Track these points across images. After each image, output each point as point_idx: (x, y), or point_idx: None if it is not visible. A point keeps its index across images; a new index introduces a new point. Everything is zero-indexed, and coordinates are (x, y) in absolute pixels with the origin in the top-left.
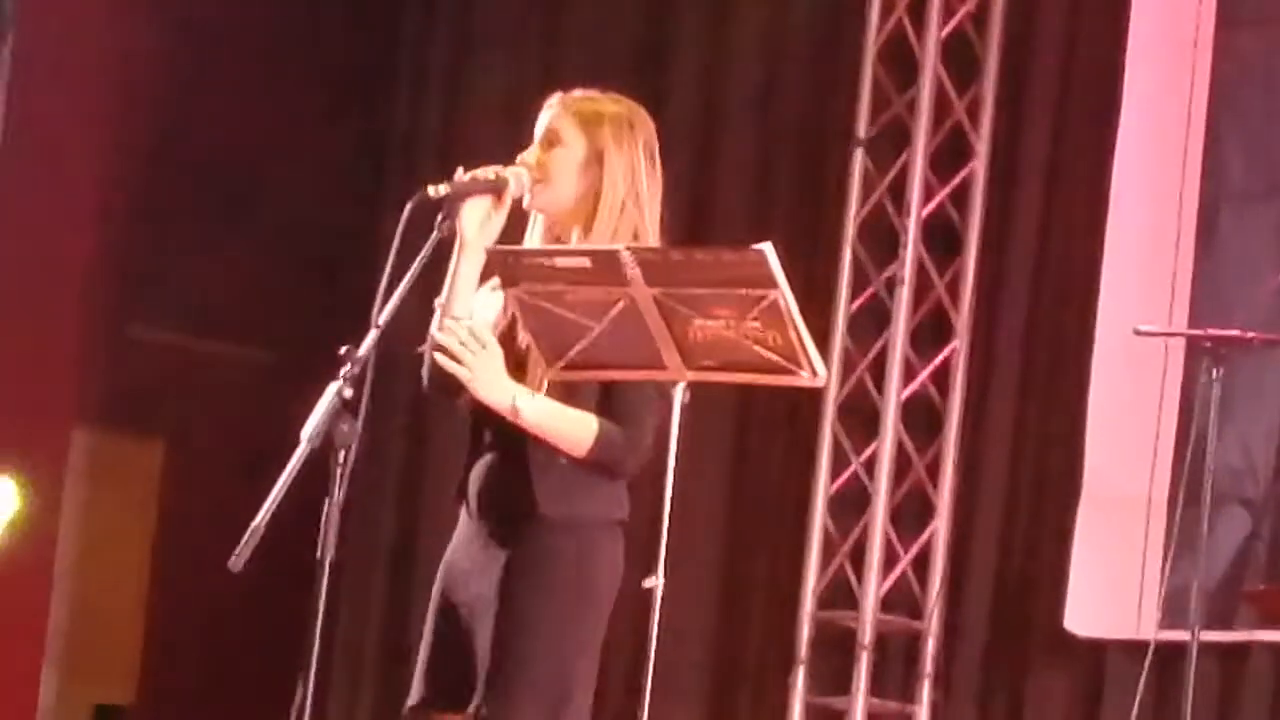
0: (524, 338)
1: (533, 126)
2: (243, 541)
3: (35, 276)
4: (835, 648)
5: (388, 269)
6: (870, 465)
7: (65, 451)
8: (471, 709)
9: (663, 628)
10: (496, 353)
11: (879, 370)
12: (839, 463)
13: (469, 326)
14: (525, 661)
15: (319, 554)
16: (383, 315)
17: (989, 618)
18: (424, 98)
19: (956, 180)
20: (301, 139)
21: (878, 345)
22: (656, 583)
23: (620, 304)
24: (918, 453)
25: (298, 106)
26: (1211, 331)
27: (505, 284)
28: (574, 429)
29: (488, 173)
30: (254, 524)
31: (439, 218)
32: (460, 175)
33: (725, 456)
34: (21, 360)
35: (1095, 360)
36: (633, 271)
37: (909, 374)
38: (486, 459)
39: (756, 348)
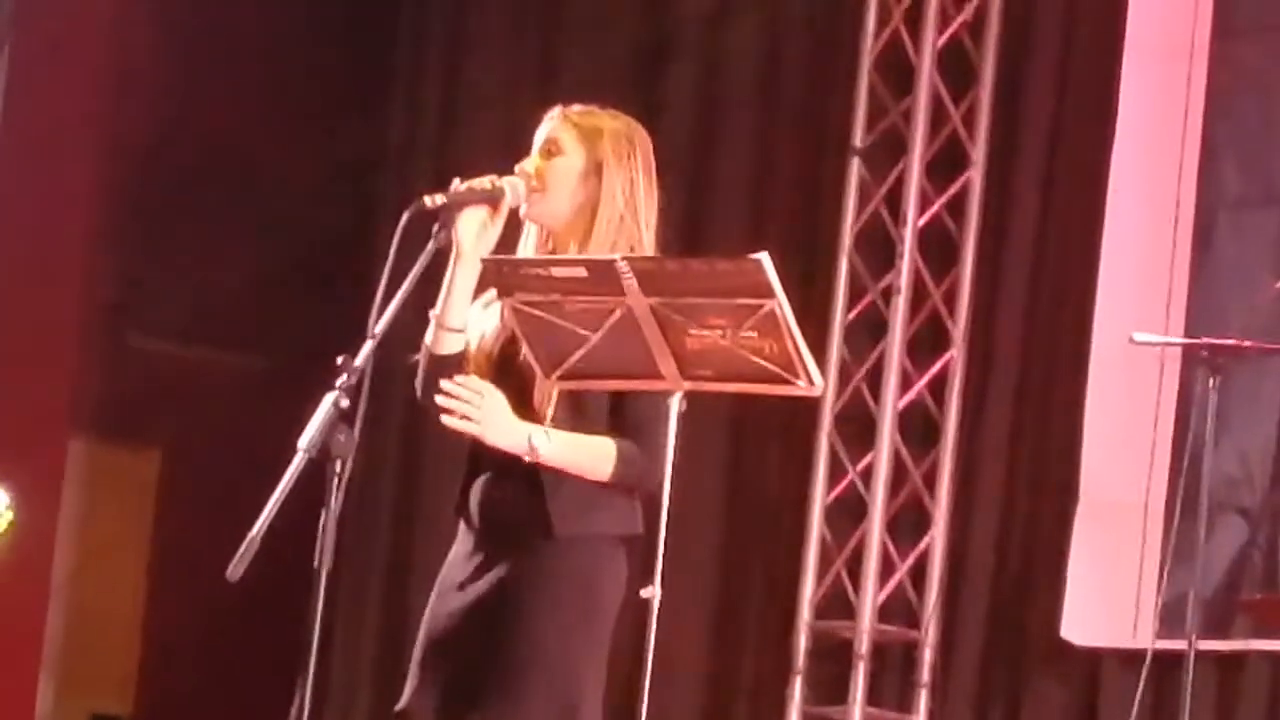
0: (525, 351)
1: (529, 131)
2: (240, 551)
3: (32, 284)
4: (832, 657)
5: (384, 279)
6: (867, 475)
7: (62, 460)
8: None
9: (660, 638)
10: (498, 396)
11: (876, 379)
12: (836, 472)
13: (462, 380)
14: (533, 676)
15: (316, 563)
16: (379, 325)
17: (986, 627)
18: (421, 104)
19: (953, 189)
20: (298, 147)
21: (874, 354)
22: (654, 593)
23: (617, 313)
24: (914, 462)
25: (294, 114)
26: (1208, 340)
27: (501, 294)
28: (594, 456)
29: (484, 182)
30: (251, 534)
31: (435, 227)
32: (457, 185)
33: (722, 466)
34: (18, 369)
35: (1092, 369)
36: (629, 281)
37: (906, 383)
38: (491, 476)
39: (753, 357)
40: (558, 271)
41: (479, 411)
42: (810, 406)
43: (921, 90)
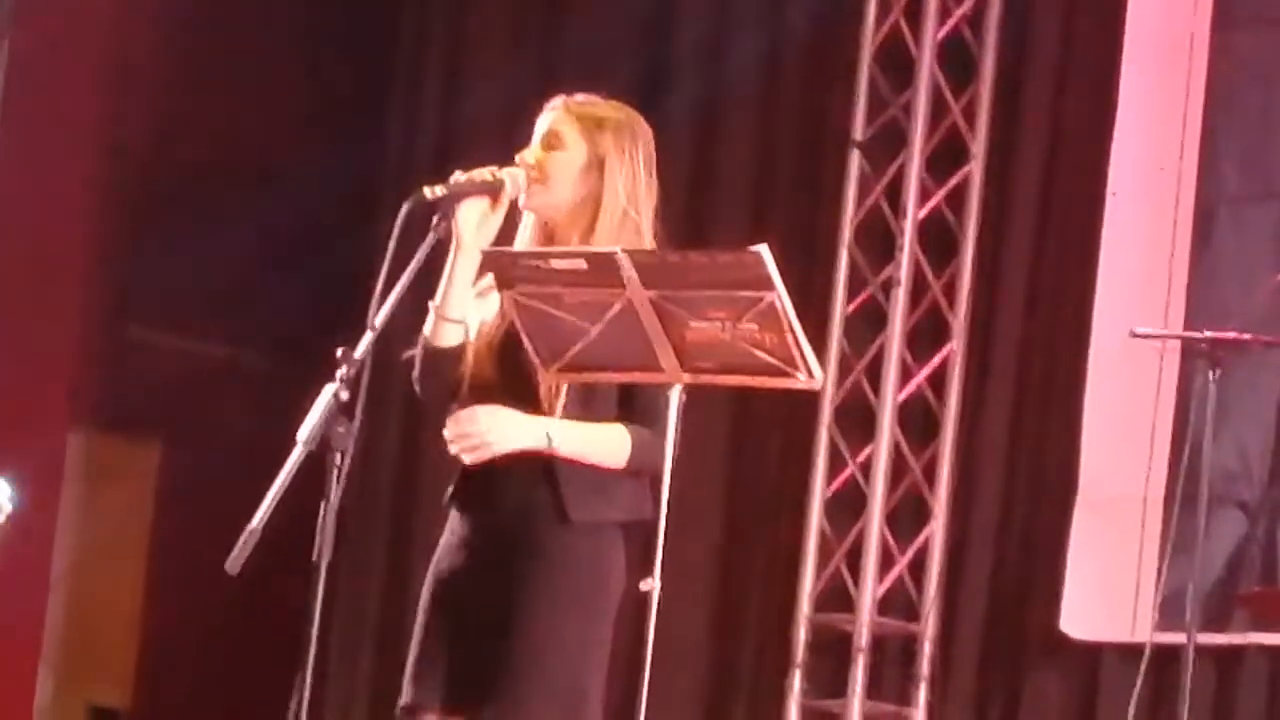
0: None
1: (530, 128)
2: (239, 544)
3: (32, 278)
4: (831, 650)
5: (384, 271)
6: (867, 467)
7: (62, 454)
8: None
9: (659, 630)
10: (490, 410)
11: (875, 372)
12: (835, 465)
13: (451, 421)
14: (543, 665)
15: (315, 556)
16: (379, 317)
17: (985, 620)
18: (421, 99)
19: (953, 182)
20: (298, 143)
21: (874, 347)
22: (653, 585)
23: (616, 306)
24: (914, 455)
25: (294, 108)
26: (1208, 333)
27: (501, 286)
28: (609, 445)
29: (484, 174)
30: (250, 526)
31: (435, 219)
32: (457, 176)
33: (721, 459)
34: (18, 362)
35: (1091, 362)
36: (629, 273)
37: (905, 376)
38: (499, 464)
39: (753, 350)
40: (557, 264)
41: (485, 435)
42: (810, 399)
43: (922, 83)
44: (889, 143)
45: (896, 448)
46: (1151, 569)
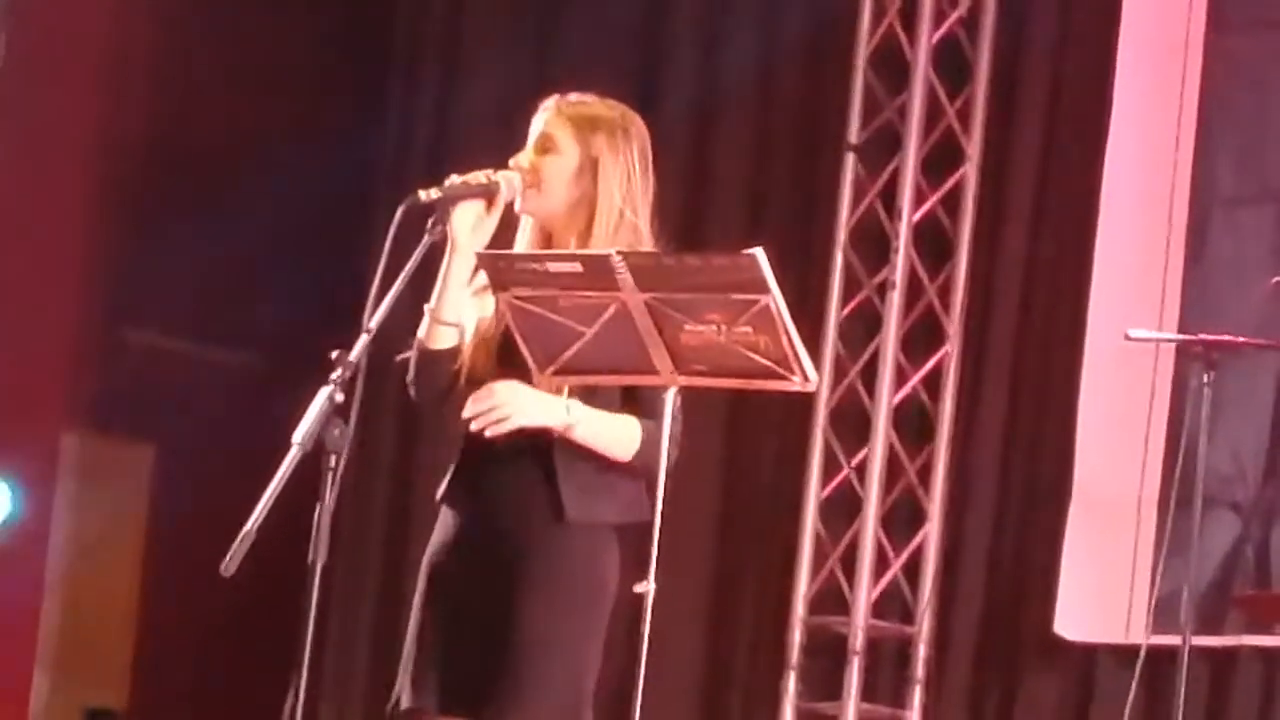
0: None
1: (525, 130)
2: (234, 546)
3: (26, 279)
4: (826, 653)
5: (379, 273)
6: (861, 470)
7: (56, 455)
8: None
9: (654, 633)
10: (508, 383)
11: (870, 375)
12: (830, 467)
13: (473, 398)
14: (541, 668)
15: (310, 558)
16: (374, 319)
17: (980, 622)
18: (417, 101)
19: (948, 185)
20: (294, 145)
21: (869, 350)
22: (648, 588)
23: (612, 309)
24: (909, 457)
25: (291, 112)
26: (1203, 336)
27: (496, 288)
28: (622, 433)
29: (479, 176)
30: (245, 528)
31: (430, 222)
32: (452, 179)
33: (716, 461)
34: (12, 363)
35: (1086, 365)
36: (624, 276)
37: (900, 379)
38: (497, 460)
39: (748, 353)
40: (553, 266)
41: (505, 408)
42: (805, 402)
43: (916, 86)
44: (884, 145)
45: (891, 450)
46: (1146, 571)
